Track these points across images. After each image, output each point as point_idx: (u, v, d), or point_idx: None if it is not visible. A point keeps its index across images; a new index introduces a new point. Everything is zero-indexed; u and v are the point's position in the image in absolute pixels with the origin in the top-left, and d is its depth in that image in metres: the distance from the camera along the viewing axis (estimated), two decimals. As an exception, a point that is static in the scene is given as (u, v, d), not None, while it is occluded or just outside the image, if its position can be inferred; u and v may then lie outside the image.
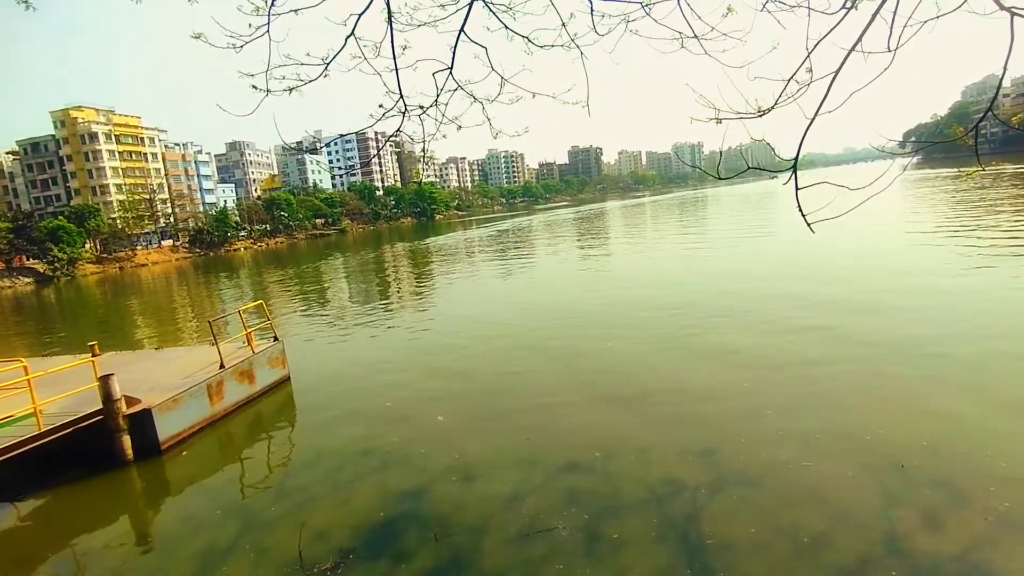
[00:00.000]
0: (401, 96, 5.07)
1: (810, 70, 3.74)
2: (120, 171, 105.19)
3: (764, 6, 3.97)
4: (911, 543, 6.53)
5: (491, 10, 4.74)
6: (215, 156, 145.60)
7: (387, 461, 9.93)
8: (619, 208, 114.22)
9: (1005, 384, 10.43)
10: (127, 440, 10.74)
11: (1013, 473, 7.55)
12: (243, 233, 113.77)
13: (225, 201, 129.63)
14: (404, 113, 5.24)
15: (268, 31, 4.56)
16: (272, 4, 4.40)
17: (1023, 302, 15.33)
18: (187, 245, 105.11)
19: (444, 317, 22.56)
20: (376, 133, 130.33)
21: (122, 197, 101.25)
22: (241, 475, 10.54)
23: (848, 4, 3.69)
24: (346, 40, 4.68)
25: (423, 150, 5.71)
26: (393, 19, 4.62)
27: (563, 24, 4.73)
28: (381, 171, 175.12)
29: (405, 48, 4.85)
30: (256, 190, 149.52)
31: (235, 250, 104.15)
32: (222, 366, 12.94)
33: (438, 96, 5.23)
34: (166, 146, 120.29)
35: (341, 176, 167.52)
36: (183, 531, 8.54)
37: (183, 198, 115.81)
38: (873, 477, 7.85)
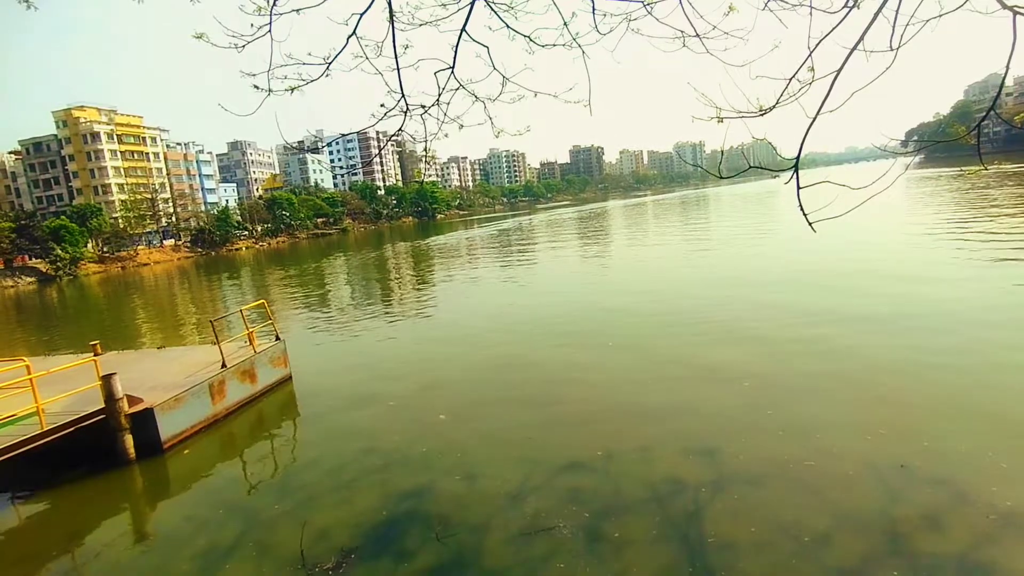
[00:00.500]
0: (403, 95, 5.07)
1: (812, 69, 3.74)
2: (122, 171, 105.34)
3: (766, 5, 3.97)
4: (913, 542, 6.53)
5: (493, 9, 4.75)
6: (217, 156, 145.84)
7: (389, 460, 9.94)
8: (620, 208, 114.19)
9: (1007, 386, 10.42)
10: (129, 439, 10.76)
11: (1015, 472, 7.55)
12: (245, 233, 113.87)
13: (227, 200, 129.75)
14: (406, 112, 5.24)
15: (270, 31, 4.57)
16: (274, 4, 4.40)
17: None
18: (189, 245, 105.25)
19: (446, 317, 22.57)
20: (377, 132, 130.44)
21: (124, 197, 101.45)
22: (243, 474, 10.55)
23: (850, 3, 3.69)
24: (348, 40, 4.68)
25: (425, 149, 5.72)
26: (395, 18, 4.63)
27: (565, 23, 4.74)
28: (383, 170, 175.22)
29: (407, 47, 4.86)
30: (258, 189, 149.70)
31: (237, 249, 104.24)
32: (224, 365, 12.96)
33: (440, 95, 5.23)
34: (168, 146, 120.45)
35: (343, 175, 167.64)
36: (185, 530, 8.56)
37: (185, 197, 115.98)
38: (874, 477, 7.84)
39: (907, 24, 3.44)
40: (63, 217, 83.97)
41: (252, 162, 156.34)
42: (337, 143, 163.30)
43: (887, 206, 41.16)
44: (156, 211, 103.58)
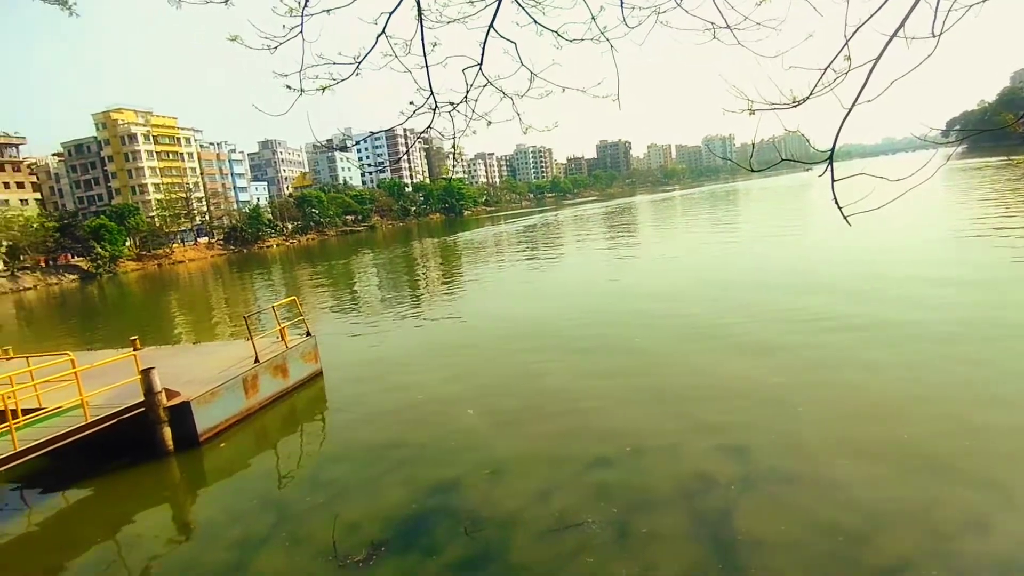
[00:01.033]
0: (431, 93, 5.09)
1: (848, 58, 3.64)
2: (158, 171, 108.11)
3: (800, -7, 3.88)
4: (953, 544, 6.35)
5: (520, 5, 4.74)
6: (248, 155, 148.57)
7: (417, 455, 10.04)
8: (648, 203, 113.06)
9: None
10: (167, 431, 11.08)
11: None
12: (275, 230, 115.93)
13: (258, 199, 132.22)
14: (434, 110, 5.26)
15: (302, 31, 4.64)
16: (305, 5, 4.46)
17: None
18: (222, 242, 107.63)
19: (473, 313, 22.67)
20: (405, 130, 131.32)
21: (160, 196, 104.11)
22: (276, 467, 10.78)
23: (889, -11, 3.57)
24: (377, 39, 4.72)
25: (453, 146, 5.72)
26: (423, 16, 4.65)
27: (592, 17, 4.70)
28: (410, 167, 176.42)
29: (435, 45, 4.88)
30: (288, 188, 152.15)
31: (268, 247, 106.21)
32: (257, 360, 13.23)
33: (468, 92, 5.24)
34: (201, 145, 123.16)
35: (371, 173, 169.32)
36: (221, 520, 8.79)
37: (217, 196, 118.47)
38: (913, 477, 7.65)
39: (950, 9, 3.32)
40: (103, 216, 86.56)
41: (282, 161, 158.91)
42: (365, 141, 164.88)
43: (929, 199, 39.91)
44: (190, 210, 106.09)
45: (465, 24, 4.73)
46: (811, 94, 3.72)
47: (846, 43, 3.60)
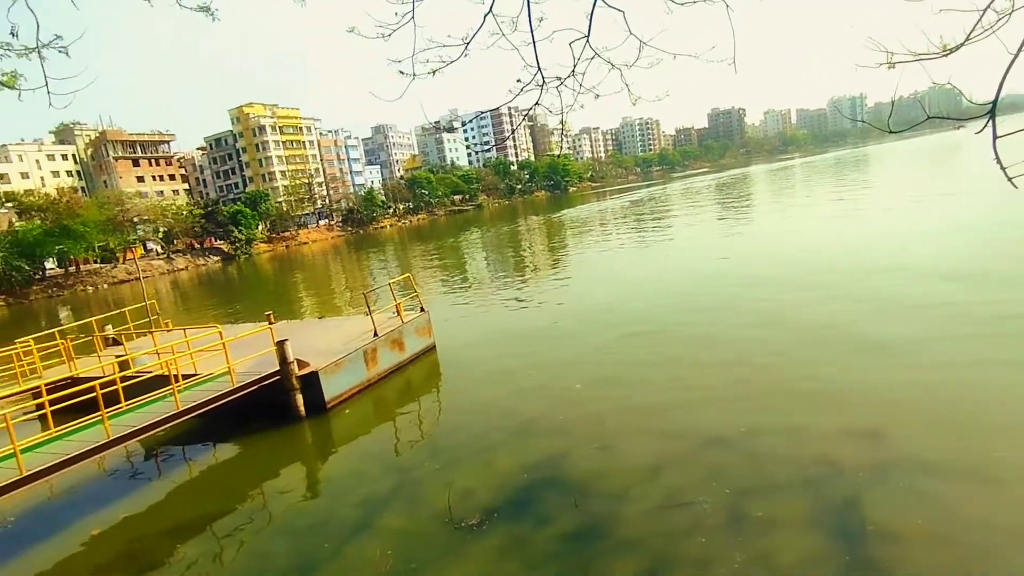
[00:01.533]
0: (539, 69, 5.09)
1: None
2: (284, 159, 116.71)
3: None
4: None
5: (630, -30, 4.58)
6: (362, 140, 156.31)
7: (528, 427, 10.28)
8: (763, 173, 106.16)
9: None
10: (299, 398, 12.14)
11: None
12: (388, 211, 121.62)
13: (372, 182, 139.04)
14: (542, 86, 5.25)
15: (413, 17, 4.79)
16: (417, -10, 4.59)
17: None
18: (340, 224, 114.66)
19: (578, 291, 22.61)
20: (510, 108, 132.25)
21: (286, 183, 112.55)
22: (394, 434, 11.49)
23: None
24: (484, 18, 4.77)
25: (561, 122, 5.70)
26: (531, -9, 4.63)
27: (708, -25, 4.46)
28: (515, 146, 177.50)
29: (541, 20, 4.85)
30: (399, 170, 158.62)
31: (382, 227, 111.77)
32: (376, 334, 14.07)
33: (575, 66, 5.18)
34: (320, 133, 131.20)
35: (477, 153, 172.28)
36: (348, 480, 9.54)
37: (336, 181, 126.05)
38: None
39: None
40: (239, 203, 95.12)
41: (393, 144, 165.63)
42: (471, 121, 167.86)
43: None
44: (312, 194, 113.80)
45: (573, -5, 4.65)
46: (967, 39, 3.30)
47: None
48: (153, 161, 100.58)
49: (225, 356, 11.60)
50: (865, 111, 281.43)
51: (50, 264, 70.15)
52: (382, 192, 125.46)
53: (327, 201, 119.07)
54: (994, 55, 3.38)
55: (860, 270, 17.98)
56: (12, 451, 8.33)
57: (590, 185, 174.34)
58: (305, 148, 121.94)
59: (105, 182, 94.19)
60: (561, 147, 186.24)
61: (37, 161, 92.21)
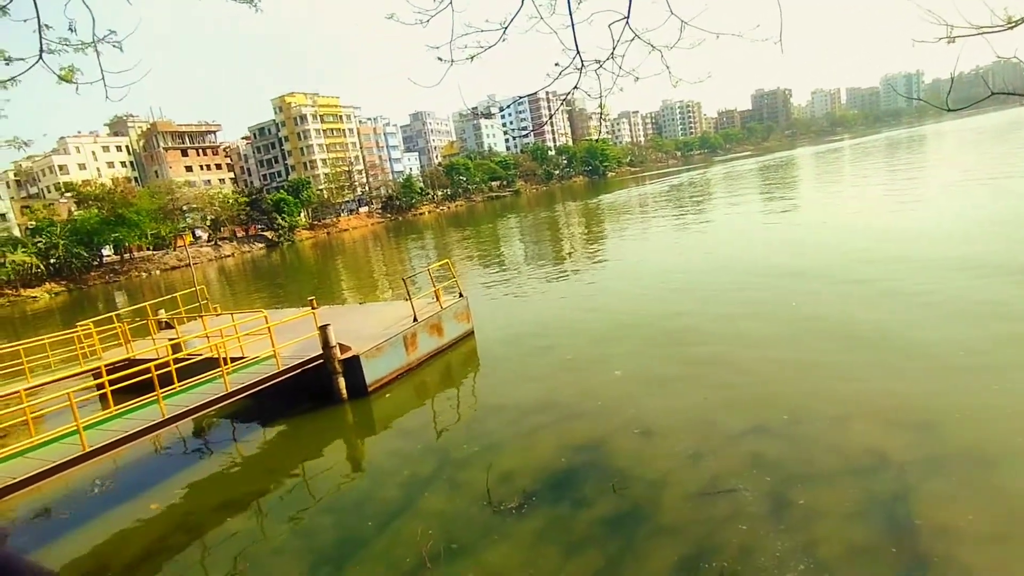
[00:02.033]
0: (577, 52, 5.03)
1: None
2: (325, 147, 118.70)
3: None
4: None
5: (672, -53, 4.48)
6: (400, 127, 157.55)
7: (566, 412, 10.31)
8: (809, 155, 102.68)
9: None
10: (342, 381, 12.44)
11: None
12: (427, 198, 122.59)
13: (410, 169, 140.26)
14: (580, 69, 5.19)
15: (451, 3, 4.79)
16: (457, -27, 4.58)
17: None
18: (379, 211, 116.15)
19: (616, 276, 22.43)
20: (548, 93, 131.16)
21: (327, 170, 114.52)
22: (434, 418, 11.68)
23: None
24: (523, 1, 4.74)
25: (600, 105, 5.63)
26: (571, -28, 4.58)
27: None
28: (553, 131, 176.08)
29: (581, 2, 4.79)
30: (437, 157, 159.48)
31: (420, 214, 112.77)
32: (415, 319, 14.28)
33: (614, 48, 5.10)
34: (360, 121, 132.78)
35: (515, 138, 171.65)
36: (390, 462, 9.77)
37: (375, 168, 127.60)
38: None
39: None
40: (282, 191, 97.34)
41: (431, 131, 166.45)
42: (509, 107, 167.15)
43: None
44: (352, 182, 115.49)
45: (614, -25, 4.58)
46: (1034, 11, 3.12)
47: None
48: (200, 151, 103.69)
49: (271, 340, 11.98)
50: (922, 88, 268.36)
51: (107, 251, 73.33)
52: (420, 179, 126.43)
53: (367, 188, 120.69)
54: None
55: (916, 261, 17.31)
56: (76, 428, 8.83)
57: (629, 170, 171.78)
58: (345, 136, 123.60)
59: (156, 172, 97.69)
60: (600, 131, 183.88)
61: (93, 152, 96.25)
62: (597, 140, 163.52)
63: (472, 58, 5.09)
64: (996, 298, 12.61)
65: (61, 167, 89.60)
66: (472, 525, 7.40)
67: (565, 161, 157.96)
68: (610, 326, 15.28)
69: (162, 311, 18.53)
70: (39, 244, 62.52)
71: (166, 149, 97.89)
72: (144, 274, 69.00)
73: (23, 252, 60.08)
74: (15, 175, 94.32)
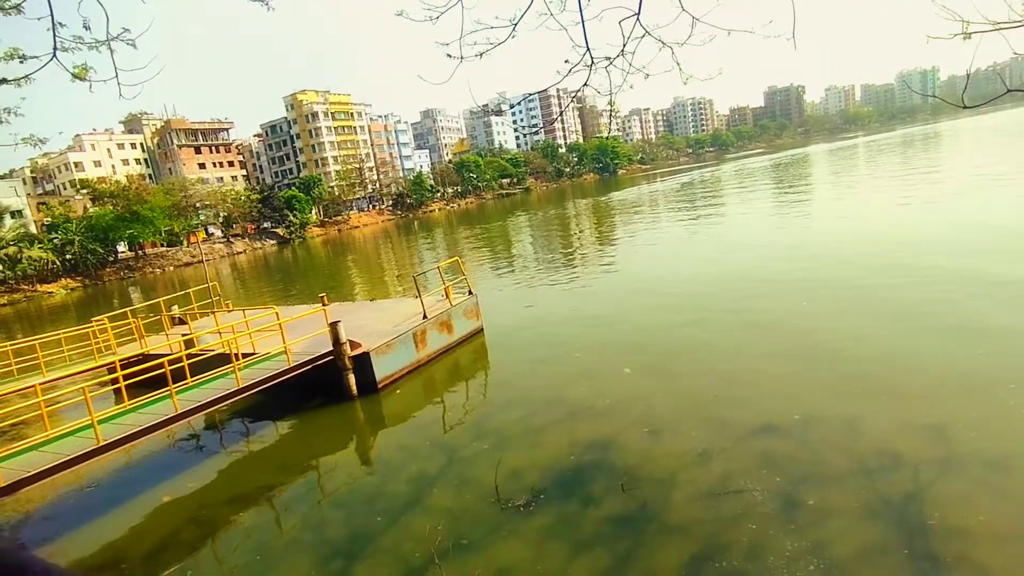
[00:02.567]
0: (587, 48, 5.02)
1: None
2: (336, 144, 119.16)
3: None
4: None
5: (684, -57, 4.45)
6: (411, 124, 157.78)
7: (575, 409, 10.30)
8: (822, 153, 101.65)
9: None
10: (352, 378, 12.51)
11: None
12: (437, 195, 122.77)
13: (421, 166, 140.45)
14: (590, 66, 5.18)
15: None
16: (466, -30, 4.58)
17: None
18: (390, 208, 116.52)
19: (626, 274, 22.37)
20: (558, 90, 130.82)
21: (338, 168, 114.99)
22: (443, 414, 11.72)
23: None
24: (532, -2, 4.73)
25: (610, 102, 5.61)
26: (581, -31, 4.56)
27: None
28: (563, 128, 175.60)
29: (590, -2, 4.78)
30: (447, 154, 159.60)
31: (431, 211, 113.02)
32: (425, 317, 14.33)
33: (624, 45, 5.08)
34: (371, 119, 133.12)
35: (525, 136, 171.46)
36: (399, 458, 9.81)
37: (386, 165, 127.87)
38: None
39: None
40: (293, 188, 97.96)
41: (442, 128, 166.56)
42: (519, 104, 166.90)
43: None
44: (363, 179, 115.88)
45: (624, -28, 4.56)
46: (1051, 7, 3.07)
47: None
48: (213, 149, 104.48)
49: (282, 336, 12.07)
50: (937, 85, 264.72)
51: (122, 248, 74.13)
52: (431, 176, 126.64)
53: (377, 185, 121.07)
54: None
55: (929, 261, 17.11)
56: (90, 422, 8.95)
57: (640, 167, 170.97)
58: (356, 133, 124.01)
59: (170, 169, 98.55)
60: (610, 129, 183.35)
61: (108, 150, 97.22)
62: (608, 137, 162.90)
63: (482, 55, 5.10)
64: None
65: (77, 164, 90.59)
66: (480, 521, 7.42)
67: (575, 158, 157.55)
68: (620, 325, 15.24)
69: (175, 307, 18.73)
70: (55, 240, 63.33)
71: (180, 147, 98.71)
72: (158, 270, 69.74)
73: (39, 248, 60.87)
74: (31, 172, 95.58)
